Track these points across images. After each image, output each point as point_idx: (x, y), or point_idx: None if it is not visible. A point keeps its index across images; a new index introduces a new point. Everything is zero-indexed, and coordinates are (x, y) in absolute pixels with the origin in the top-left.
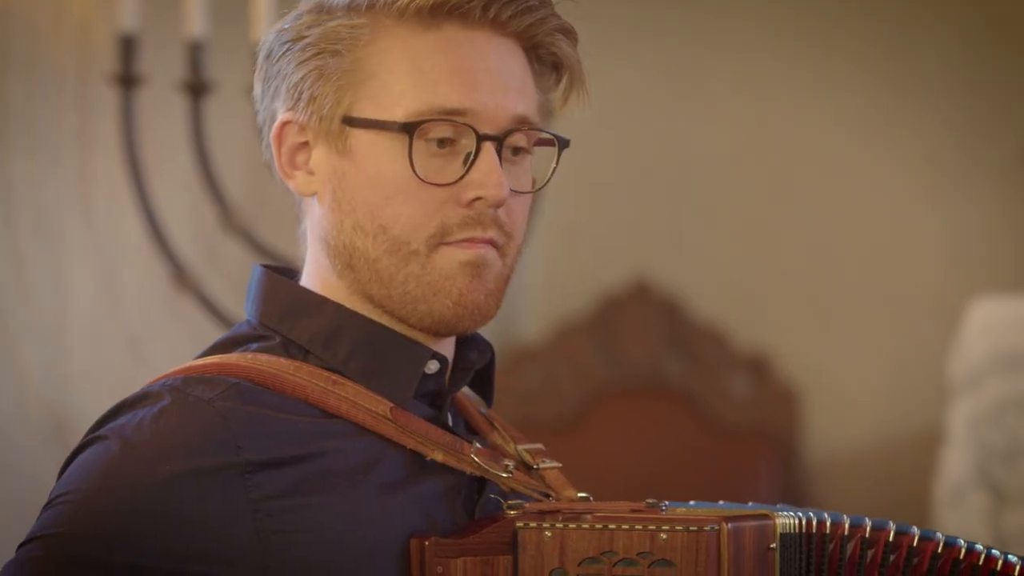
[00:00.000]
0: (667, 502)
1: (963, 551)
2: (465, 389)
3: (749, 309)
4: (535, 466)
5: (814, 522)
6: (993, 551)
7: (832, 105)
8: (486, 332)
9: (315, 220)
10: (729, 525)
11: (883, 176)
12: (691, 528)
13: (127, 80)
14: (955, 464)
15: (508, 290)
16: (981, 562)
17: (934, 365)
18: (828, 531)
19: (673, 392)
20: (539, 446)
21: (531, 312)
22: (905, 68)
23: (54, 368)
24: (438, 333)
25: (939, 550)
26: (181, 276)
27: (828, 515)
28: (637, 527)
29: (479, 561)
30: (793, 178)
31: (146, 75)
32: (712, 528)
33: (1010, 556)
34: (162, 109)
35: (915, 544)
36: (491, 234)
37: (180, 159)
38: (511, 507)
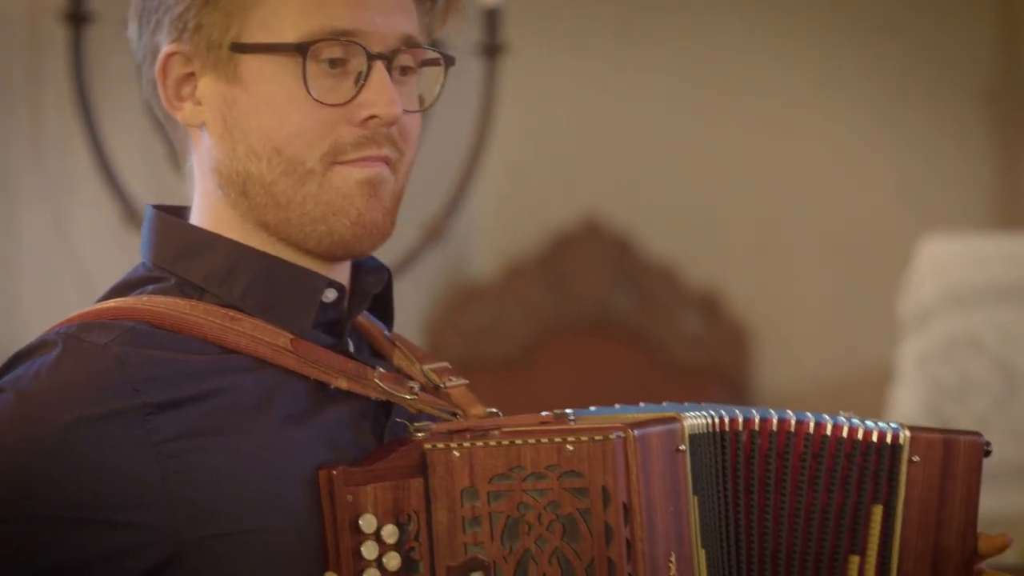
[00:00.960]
0: (569, 411)
1: (829, 426)
2: (367, 315)
3: (700, 247)
4: (441, 385)
5: (725, 420)
6: (853, 420)
7: (783, 48)
8: (434, 268)
9: (204, 152)
10: (635, 432)
11: (833, 117)
12: (596, 438)
13: (77, 17)
14: (905, 401)
15: (457, 228)
16: (844, 434)
17: (884, 303)
18: (740, 428)
19: (623, 330)
20: (445, 364)
21: (480, 250)
22: (855, 10)
23: (3, 304)
24: (336, 256)
25: (810, 430)
26: (131, 213)
27: (739, 411)
28: (543, 441)
29: (389, 486)
30: (744, 118)
31: (96, 12)
32: (618, 436)
33: (867, 422)
34: (113, 47)
35: (792, 429)
36: (385, 151)
37: (130, 97)
38: (418, 429)
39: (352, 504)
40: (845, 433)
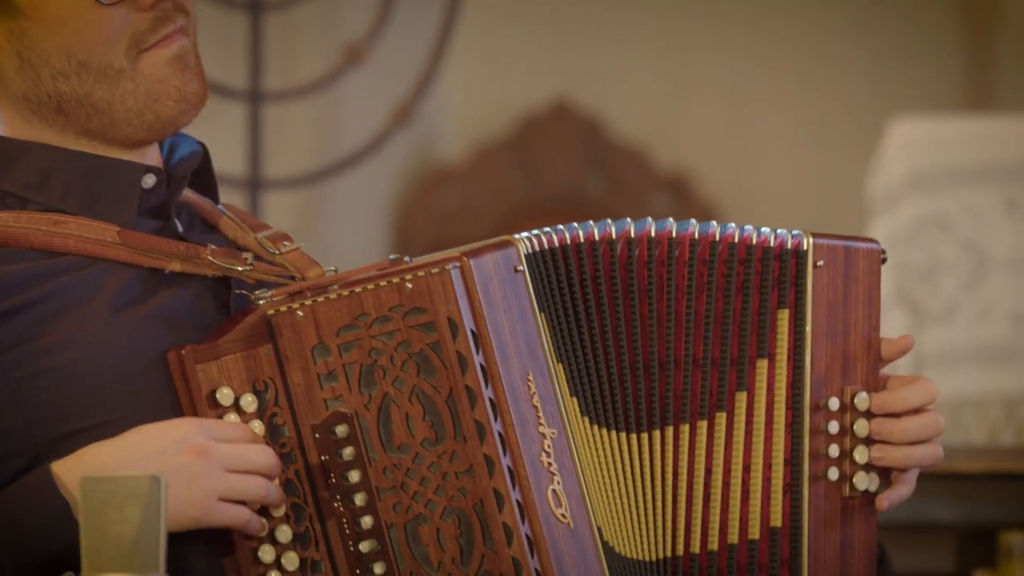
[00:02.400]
0: (407, 258)
1: (717, 233)
2: (192, 193)
3: (669, 129)
4: (276, 251)
5: (554, 237)
6: (746, 227)
7: None
8: (403, 151)
9: (4, 84)
10: (471, 260)
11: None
12: (433, 271)
13: None
14: None
15: (425, 111)
16: (736, 240)
17: (853, 185)
18: (581, 241)
19: (593, 212)
20: (278, 231)
21: (450, 133)
22: None
23: None
24: (165, 135)
25: (696, 237)
26: None
27: (577, 226)
28: (383, 284)
29: (240, 357)
30: (715, 1)
31: None
32: (454, 266)
33: (762, 229)
34: None
35: (674, 236)
36: (180, 22)
37: None
38: (259, 297)
39: (206, 379)
40: (736, 239)
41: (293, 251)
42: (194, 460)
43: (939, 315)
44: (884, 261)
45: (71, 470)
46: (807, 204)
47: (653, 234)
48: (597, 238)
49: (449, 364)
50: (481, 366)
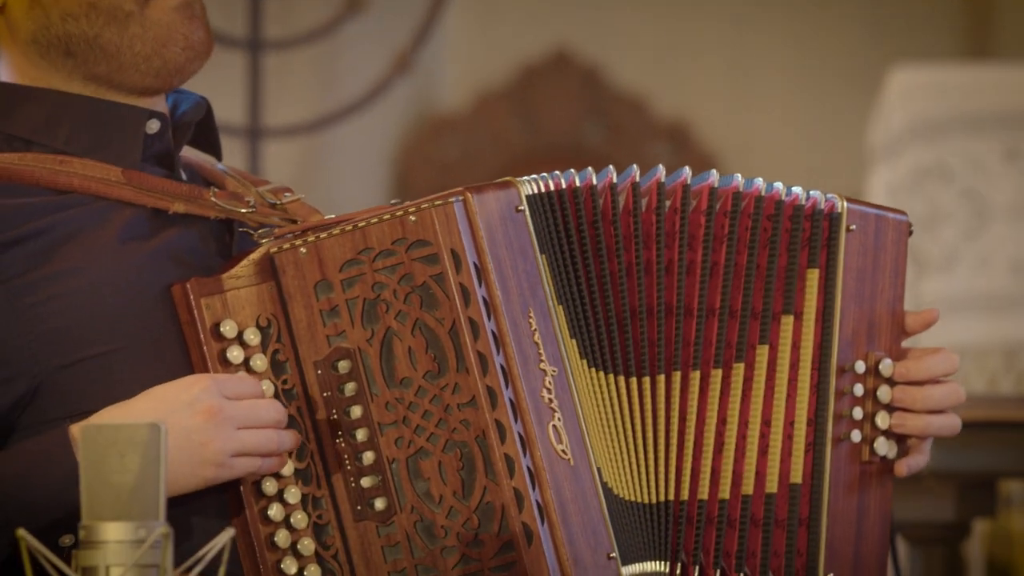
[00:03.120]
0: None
1: (741, 186)
2: (196, 152)
3: (669, 77)
4: (278, 202)
5: (560, 181)
6: (775, 185)
7: None
8: (403, 100)
9: (12, 28)
10: (473, 195)
11: None
12: (437, 203)
13: None
14: None
15: (426, 59)
16: (763, 195)
17: (854, 134)
18: (578, 185)
19: (593, 161)
20: (281, 185)
21: (450, 82)
22: None
23: None
24: (172, 83)
25: (715, 187)
26: None
27: (574, 172)
28: (385, 216)
29: (243, 293)
30: None
31: None
32: (457, 199)
33: (793, 188)
34: None
35: (689, 184)
36: None
37: None
38: (262, 236)
39: (210, 313)
40: (764, 193)
41: (294, 201)
42: (206, 421)
43: (939, 264)
44: (911, 234)
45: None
46: (807, 153)
47: (664, 181)
48: (597, 184)
49: (452, 296)
50: (484, 299)
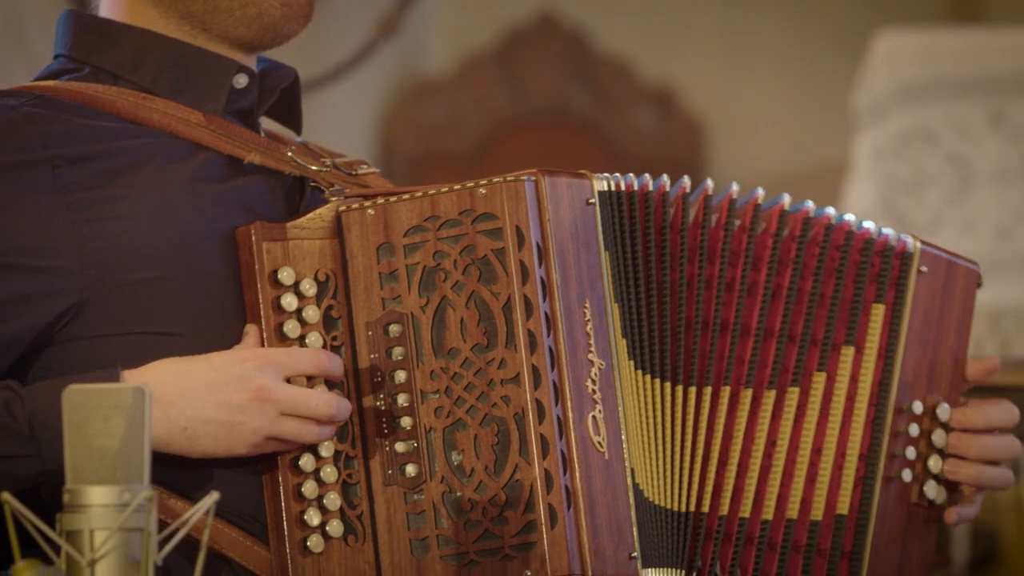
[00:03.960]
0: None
1: (811, 213)
2: (275, 124)
3: (655, 42)
4: (353, 172)
5: (636, 183)
6: (845, 215)
7: None
8: (388, 63)
9: None
10: (545, 176)
11: None
12: (509, 179)
13: None
14: (859, 195)
15: (411, 22)
16: (833, 223)
17: (839, 97)
18: (651, 189)
19: (578, 125)
20: (357, 158)
21: (436, 45)
22: None
23: None
24: (263, 41)
25: (786, 210)
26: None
27: (654, 180)
28: (456, 187)
29: (306, 245)
30: None
31: None
32: (529, 178)
33: (865, 223)
34: None
35: (760, 204)
36: None
37: None
38: (333, 194)
39: (271, 257)
40: (834, 222)
41: (370, 173)
42: (251, 400)
43: (924, 228)
44: (980, 286)
45: (137, 378)
46: (793, 117)
47: (736, 199)
48: (671, 193)
49: (511, 272)
50: (542, 279)
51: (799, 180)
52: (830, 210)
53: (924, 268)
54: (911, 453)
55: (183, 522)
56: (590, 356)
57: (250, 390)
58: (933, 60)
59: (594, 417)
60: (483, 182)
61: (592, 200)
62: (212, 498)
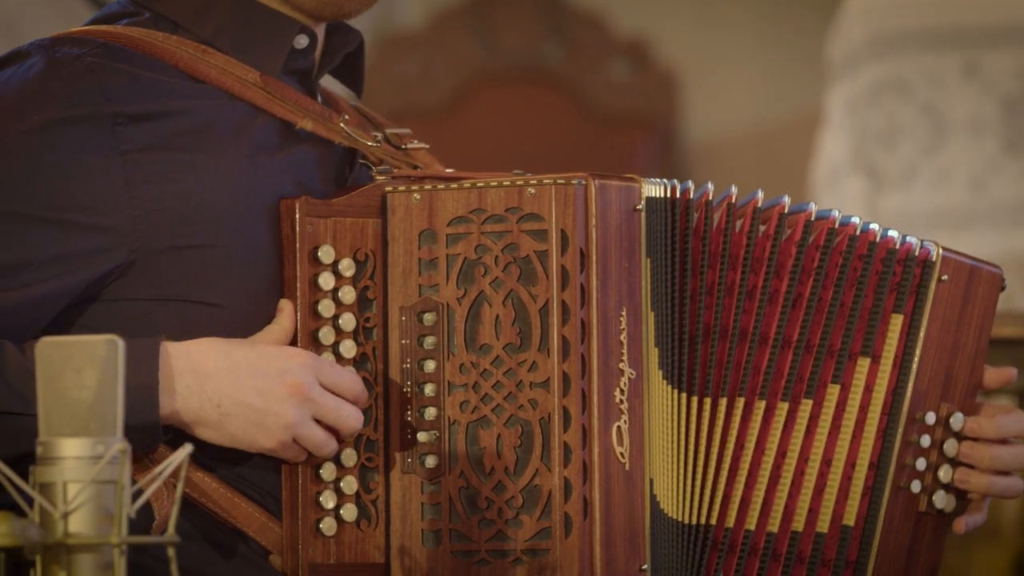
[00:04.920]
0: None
1: (837, 221)
2: (335, 82)
3: None
4: (403, 146)
5: (679, 189)
6: (871, 224)
7: None
8: (360, 16)
9: None
10: (596, 181)
11: None
12: (559, 181)
13: None
14: (833, 147)
15: None
16: (857, 233)
17: (812, 49)
18: (692, 198)
19: (552, 79)
20: (407, 131)
21: (408, 0)
22: None
23: None
24: (324, 14)
25: (811, 219)
26: None
27: (706, 185)
28: (506, 183)
29: (349, 223)
30: None
31: None
32: (580, 182)
33: (889, 231)
34: None
35: (786, 212)
36: None
37: None
38: (380, 172)
39: (312, 234)
40: (858, 232)
41: (419, 149)
42: (288, 396)
43: (897, 179)
44: (1003, 289)
45: (179, 354)
46: (767, 68)
47: (760, 206)
48: (694, 198)
49: (551, 275)
50: (581, 285)
51: (773, 132)
52: (855, 219)
53: (945, 277)
54: (921, 464)
55: (156, 475)
56: (621, 365)
57: (289, 386)
58: (906, 10)
59: (619, 428)
60: (533, 181)
61: (640, 207)
62: (185, 450)
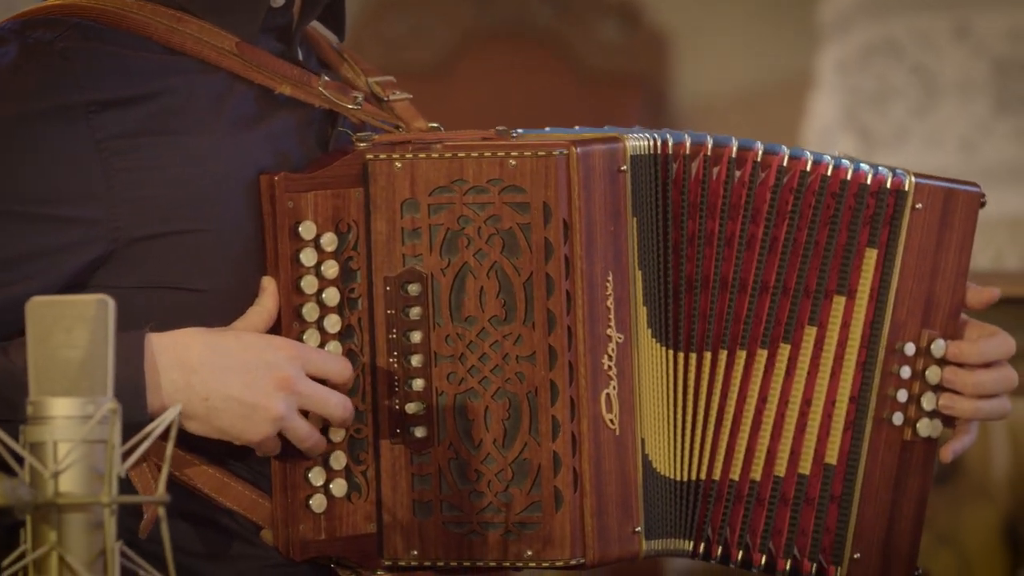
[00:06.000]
0: (519, 129)
1: (809, 162)
2: (317, 25)
3: None
4: (385, 98)
5: (668, 143)
6: (843, 160)
7: None
8: None
9: None
10: (578, 149)
11: None
12: (540, 153)
13: None
14: (824, 108)
15: None
16: (829, 172)
17: (804, 10)
18: (687, 151)
19: (543, 38)
20: (390, 78)
21: None
22: None
23: None
24: None
25: (784, 163)
26: None
27: (680, 134)
28: (487, 154)
29: (330, 195)
30: None
31: None
32: (561, 153)
33: (862, 164)
34: None
35: (759, 159)
36: None
37: None
38: (361, 139)
39: (292, 210)
40: (830, 171)
41: (402, 100)
42: (275, 389)
43: (888, 141)
44: (983, 206)
45: (165, 349)
46: (758, 29)
47: (735, 153)
48: (709, 152)
49: (535, 248)
50: (566, 257)
51: (764, 93)
52: (827, 157)
53: (919, 205)
54: (903, 395)
55: (146, 434)
56: (608, 331)
57: (275, 379)
58: None
59: (608, 394)
60: (514, 153)
61: (624, 168)
62: (175, 410)
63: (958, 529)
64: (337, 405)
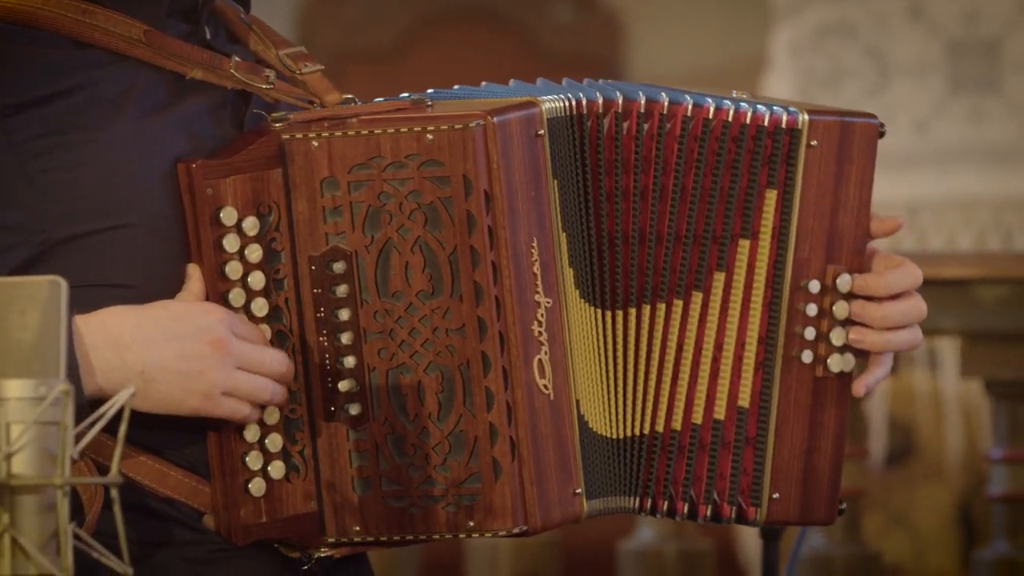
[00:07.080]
0: (431, 91)
1: (712, 109)
2: None
3: None
4: (297, 72)
5: (583, 102)
6: (742, 103)
7: None
8: None
9: None
10: (495, 119)
11: None
12: (456, 126)
13: None
14: (777, 89)
15: None
16: (730, 117)
17: None
18: (601, 110)
19: (498, 21)
20: (300, 49)
21: None
22: None
23: None
24: None
25: (688, 112)
26: None
27: (603, 91)
28: (403, 130)
29: (249, 178)
30: None
31: None
32: (477, 124)
33: (759, 105)
34: None
35: (665, 111)
36: None
37: None
38: (276, 119)
39: (212, 197)
40: (731, 116)
41: (313, 73)
42: (211, 352)
43: None
44: (882, 135)
45: (94, 330)
46: (712, 11)
47: (643, 107)
48: (621, 108)
49: (458, 221)
50: (489, 228)
51: (717, 75)
52: (727, 102)
53: (815, 142)
54: (810, 333)
55: (100, 415)
56: (536, 297)
57: (209, 342)
58: None
59: (540, 360)
60: (430, 127)
61: (541, 132)
62: (128, 391)
63: (911, 510)
64: (274, 359)
